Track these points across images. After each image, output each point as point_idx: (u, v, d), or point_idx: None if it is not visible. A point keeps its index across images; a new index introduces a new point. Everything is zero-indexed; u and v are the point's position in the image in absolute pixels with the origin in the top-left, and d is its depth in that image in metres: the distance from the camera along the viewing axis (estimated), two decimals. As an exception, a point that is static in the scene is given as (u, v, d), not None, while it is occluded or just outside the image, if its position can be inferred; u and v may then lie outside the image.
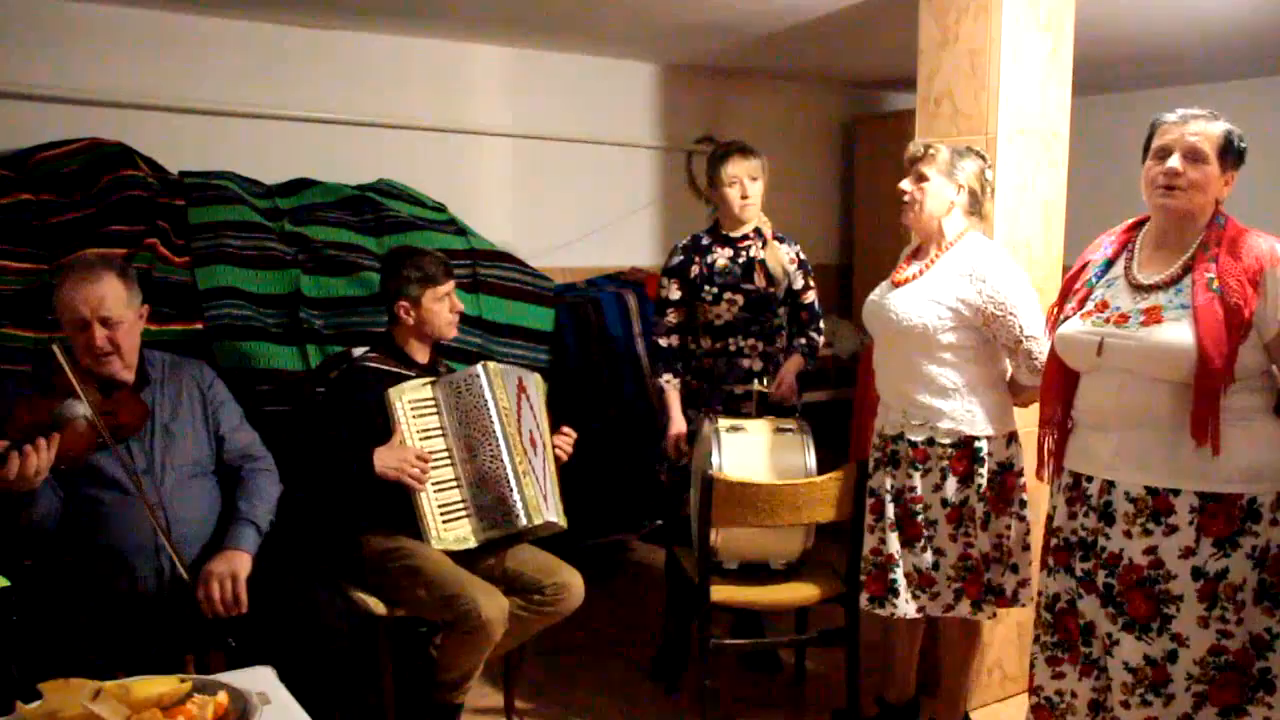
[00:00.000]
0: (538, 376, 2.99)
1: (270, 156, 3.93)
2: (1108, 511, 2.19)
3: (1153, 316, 2.13)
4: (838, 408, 3.00)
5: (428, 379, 2.83)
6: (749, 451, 2.96)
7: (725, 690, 3.25)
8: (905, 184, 2.71)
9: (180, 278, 3.22)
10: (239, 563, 2.40)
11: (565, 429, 3.00)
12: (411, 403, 2.76)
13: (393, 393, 2.74)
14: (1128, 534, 2.15)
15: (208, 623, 2.36)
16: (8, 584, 1.86)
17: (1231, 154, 2.15)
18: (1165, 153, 2.16)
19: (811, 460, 2.95)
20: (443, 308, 2.87)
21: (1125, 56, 4.66)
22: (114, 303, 2.41)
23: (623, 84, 4.89)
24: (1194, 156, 2.13)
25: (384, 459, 2.67)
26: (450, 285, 2.90)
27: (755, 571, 3.01)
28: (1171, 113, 2.18)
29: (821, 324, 3.41)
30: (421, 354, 2.92)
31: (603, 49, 4.60)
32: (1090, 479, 2.24)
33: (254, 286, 3.34)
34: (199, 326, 3.18)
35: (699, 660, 2.94)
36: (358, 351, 2.97)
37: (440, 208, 4.06)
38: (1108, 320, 2.19)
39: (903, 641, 2.97)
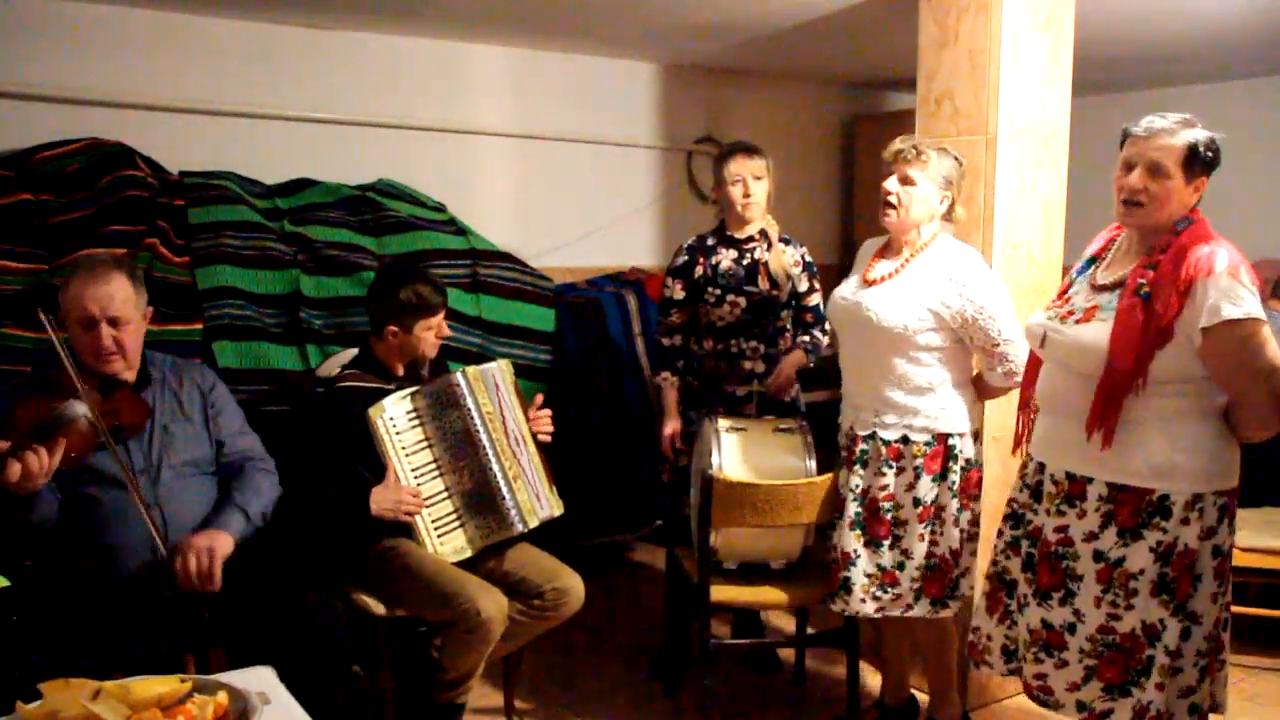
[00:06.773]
0: (504, 364, 2.92)
1: (270, 156, 3.93)
2: (1038, 489, 2.37)
3: (1087, 315, 2.23)
4: (838, 408, 3.00)
5: (408, 390, 2.77)
6: (749, 452, 2.96)
7: (725, 690, 3.25)
8: (891, 184, 2.67)
9: (180, 278, 3.22)
10: (219, 540, 2.39)
11: (536, 408, 2.95)
12: (393, 419, 2.70)
13: (373, 412, 2.67)
14: (1048, 512, 2.32)
15: (183, 597, 2.35)
16: (8, 584, 1.86)
17: (1197, 163, 2.15)
18: (1129, 166, 2.21)
19: (811, 461, 2.95)
20: (430, 334, 2.84)
21: (1125, 56, 4.66)
22: (122, 303, 2.42)
23: (623, 84, 4.89)
24: (1155, 171, 2.16)
25: (379, 501, 2.64)
26: (443, 313, 2.86)
27: (755, 571, 3.00)
28: (1138, 124, 2.21)
29: (826, 325, 3.39)
30: (400, 366, 2.88)
31: (603, 49, 4.60)
32: (1031, 458, 2.42)
33: (254, 286, 3.34)
34: (199, 326, 3.18)
35: (699, 660, 2.94)
36: (330, 370, 2.94)
37: (440, 208, 4.06)
38: (1059, 315, 2.30)
39: (889, 643, 2.98)
